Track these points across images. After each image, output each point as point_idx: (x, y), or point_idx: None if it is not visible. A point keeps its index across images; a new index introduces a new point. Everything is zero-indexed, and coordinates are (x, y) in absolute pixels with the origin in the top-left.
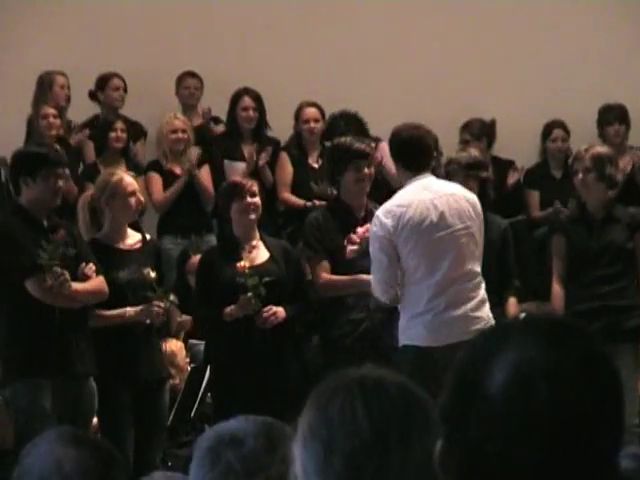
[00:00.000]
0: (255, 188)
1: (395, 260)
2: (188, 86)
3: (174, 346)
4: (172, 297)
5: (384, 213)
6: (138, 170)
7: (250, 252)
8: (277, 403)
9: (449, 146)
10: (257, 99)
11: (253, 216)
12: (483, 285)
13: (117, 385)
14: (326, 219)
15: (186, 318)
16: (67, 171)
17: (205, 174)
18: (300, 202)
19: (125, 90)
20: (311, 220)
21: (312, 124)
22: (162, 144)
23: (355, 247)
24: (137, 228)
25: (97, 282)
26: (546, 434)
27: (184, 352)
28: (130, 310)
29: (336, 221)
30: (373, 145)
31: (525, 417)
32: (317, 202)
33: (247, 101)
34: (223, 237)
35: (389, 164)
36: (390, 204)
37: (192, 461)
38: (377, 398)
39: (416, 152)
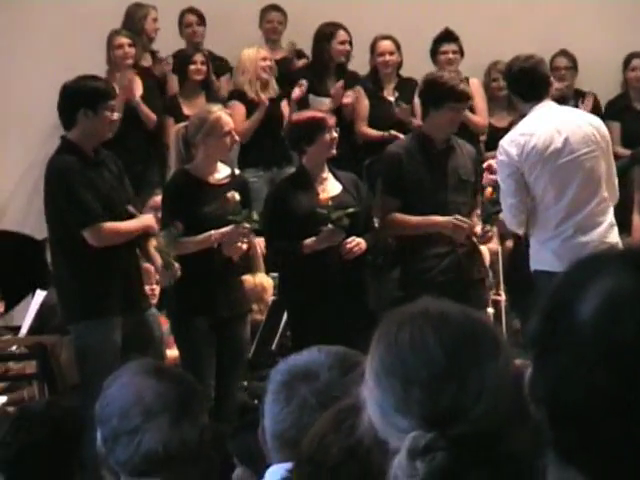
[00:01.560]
0: (334, 123)
1: (523, 186)
2: (272, 20)
3: (265, 282)
4: (256, 217)
5: (508, 142)
6: (220, 104)
7: (322, 184)
8: (354, 334)
9: None
10: (348, 33)
11: (334, 151)
12: (611, 210)
13: (196, 318)
14: (408, 153)
15: None
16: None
17: (285, 108)
18: (378, 134)
19: (200, 24)
20: (391, 155)
21: (387, 57)
22: (248, 73)
23: (494, 176)
24: (222, 162)
25: (145, 218)
26: (630, 365)
27: (273, 289)
28: (216, 233)
29: (418, 154)
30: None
31: (611, 346)
32: (394, 132)
33: (343, 35)
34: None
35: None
36: (514, 133)
37: (267, 395)
38: (445, 325)
39: (530, 82)
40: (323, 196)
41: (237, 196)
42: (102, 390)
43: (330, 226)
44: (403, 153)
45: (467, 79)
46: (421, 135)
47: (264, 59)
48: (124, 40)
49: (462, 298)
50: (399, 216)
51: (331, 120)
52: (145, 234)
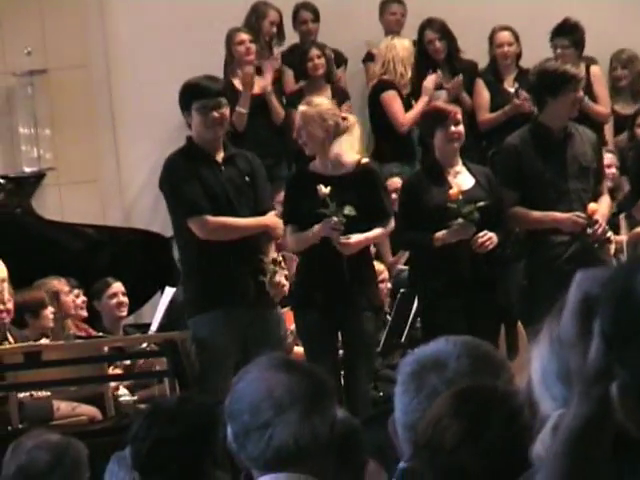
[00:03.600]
0: (459, 116)
1: None
2: (395, 12)
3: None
4: (347, 210)
5: None
6: (343, 96)
7: (455, 177)
8: (482, 328)
9: None
10: (441, 29)
11: (457, 144)
12: None
13: (309, 310)
14: (525, 144)
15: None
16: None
17: (396, 103)
18: (498, 114)
19: (315, 21)
20: (508, 148)
21: (505, 48)
22: (397, 65)
23: None
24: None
25: (267, 218)
26: None
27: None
28: (314, 229)
29: (536, 144)
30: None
31: None
32: (515, 103)
33: (430, 35)
34: (426, 162)
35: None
36: None
37: (396, 387)
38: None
39: None
40: (453, 191)
41: (324, 189)
42: (232, 386)
43: (461, 220)
44: (520, 145)
45: (588, 65)
46: (539, 125)
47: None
48: (245, 37)
49: None
50: (520, 210)
51: (452, 112)
52: (267, 235)
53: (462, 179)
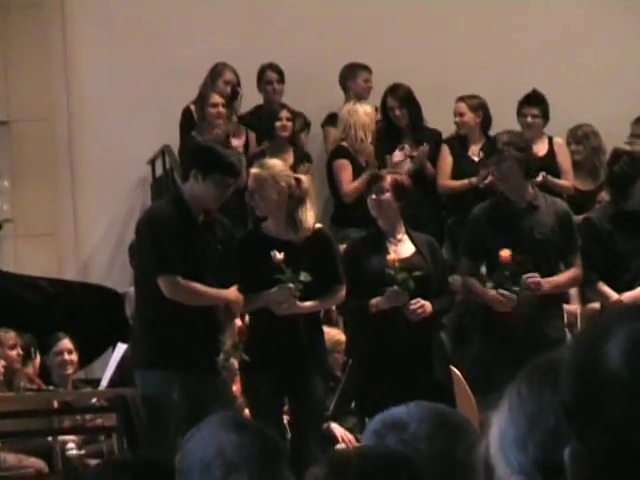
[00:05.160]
0: (384, 184)
1: None
2: (367, 79)
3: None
4: (303, 277)
5: None
6: (307, 159)
7: (396, 245)
8: (420, 396)
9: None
10: (403, 97)
11: (375, 212)
12: None
13: (262, 375)
14: (488, 215)
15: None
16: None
17: (346, 172)
18: (459, 183)
19: (280, 82)
20: (472, 218)
21: (457, 118)
22: (357, 131)
23: None
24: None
25: (230, 292)
26: None
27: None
28: (269, 294)
29: (494, 215)
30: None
31: None
32: (479, 178)
33: (391, 102)
34: (370, 229)
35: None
36: None
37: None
38: None
39: None
40: (391, 257)
41: (279, 255)
42: (183, 443)
43: (395, 287)
44: (483, 215)
45: (550, 138)
46: (501, 196)
47: (373, 121)
48: (219, 100)
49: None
50: (470, 281)
51: (381, 180)
52: (228, 311)
53: (403, 247)
